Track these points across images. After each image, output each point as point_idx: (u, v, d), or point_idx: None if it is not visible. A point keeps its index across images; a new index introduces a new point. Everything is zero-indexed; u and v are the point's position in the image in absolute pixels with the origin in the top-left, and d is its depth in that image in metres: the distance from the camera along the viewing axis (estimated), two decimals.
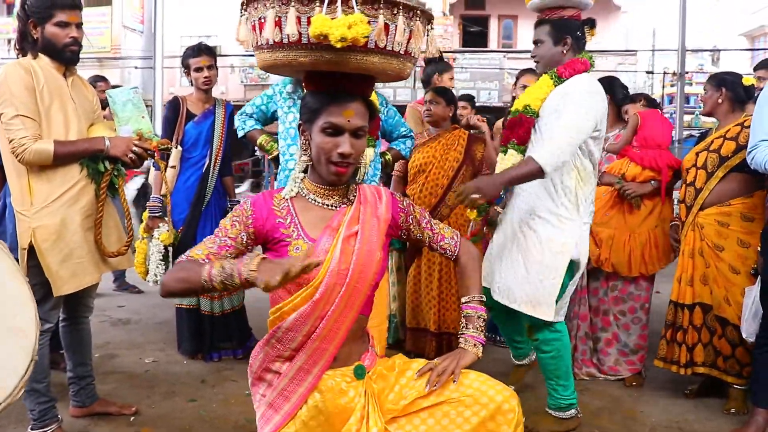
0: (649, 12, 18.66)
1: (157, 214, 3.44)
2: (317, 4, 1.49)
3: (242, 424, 2.82)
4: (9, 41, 15.55)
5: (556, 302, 2.63)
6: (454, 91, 3.95)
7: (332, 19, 1.46)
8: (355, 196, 1.72)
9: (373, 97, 2.00)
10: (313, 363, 1.62)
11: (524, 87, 3.52)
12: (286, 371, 1.63)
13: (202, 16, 16.13)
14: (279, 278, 1.31)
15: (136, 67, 16.25)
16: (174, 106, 3.60)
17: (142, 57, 15.92)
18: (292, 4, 1.51)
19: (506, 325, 3.03)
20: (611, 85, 3.50)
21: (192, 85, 3.64)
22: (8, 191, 2.43)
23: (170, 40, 10.54)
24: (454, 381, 1.65)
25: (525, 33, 18.16)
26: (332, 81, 1.62)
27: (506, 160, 2.70)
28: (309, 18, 1.49)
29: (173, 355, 3.76)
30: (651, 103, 3.78)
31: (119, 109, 2.61)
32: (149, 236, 3.44)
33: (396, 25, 1.56)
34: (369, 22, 1.50)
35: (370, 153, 2.86)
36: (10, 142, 2.32)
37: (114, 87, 3.28)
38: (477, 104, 5.05)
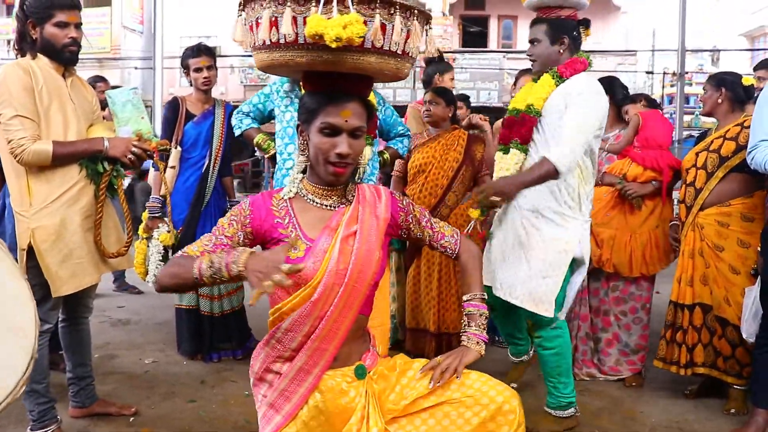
0: (649, 12, 18.68)
1: (156, 215, 3.44)
2: (313, 4, 1.49)
3: (242, 425, 2.82)
4: (8, 42, 15.53)
5: (558, 299, 2.65)
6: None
7: (328, 18, 1.46)
8: (354, 196, 1.72)
9: (371, 95, 1.99)
10: (314, 364, 1.62)
11: None
12: (286, 372, 1.63)
13: (201, 16, 16.12)
14: (268, 285, 1.32)
15: (135, 68, 16.25)
16: (173, 106, 3.60)
17: (141, 57, 15.92)
18: (288, 4, 1.51)
19: (506, 323, 3.05)
20: (611, 85, 3.50)
21: (191, 85, 3.64)
22: (7, 192, 2.43)
23: (170, 41, 10.56)
24: (457, 378, 1.64)
25: (525, 33, 18.07)
26: (330, 81, 1.62)
27: (508, 160, 2.71)
28: (305, 18, 1.49)
29: (173, 356, 3.75)
30: (651, 103, 3.78)
31: (118, 109, 2.61)
32: (149, 237, 3.44)
33: (393, 25, 1.56)
34: (365, 22, 1.50)
35: (367, 152, 2.86)
36: (9, 142, 2.32)
37: (113, 87, 3.27)
38: (477, 105, 5.07)
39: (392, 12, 1.56)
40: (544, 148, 2.62)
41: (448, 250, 1.82)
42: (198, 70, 3.56)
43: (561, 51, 2.67)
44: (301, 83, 1.79)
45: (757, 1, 19.59)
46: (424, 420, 1.65)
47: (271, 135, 3.10)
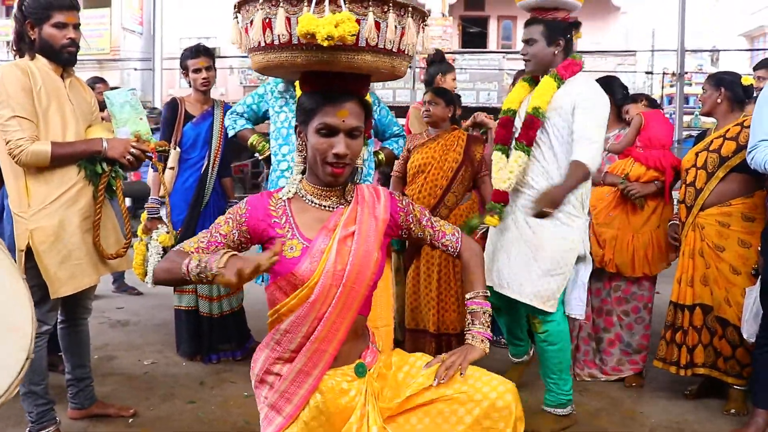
0: (649, 12, 18.65)
1: (155, 216, 3.44)
2: (305, 4, 1.49)
3: (241, 426, 2.81)
4: (8, 43, 15.52)
5: (560, 295, 2.72)
6: None
7: (319, 18, 1.46)
8: (352, 197, 1.71)
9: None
10: (313, 365, 1.61)
11: None
12: (286, 374, 1.63)
13: (201, 17, 16.11)
14: (235, 279, 1.33)
15: (135, 69, 16.23)
16: (172, 107, 3.60)
17: (141, 59, 15.90)
18: (282, 5, 1.51)
19: (508, 322, 3.07)
20: (611, 86, 3.50)
21: (190, 86, 3.64)
22: (6, 193, 2.43)
23: (169, 42, 10.57)
24: (461, 374, 1.63)
25: None
26: (326, 81, 1.62)
27: (511, 162, 2.74)
28: (298, 18, 1.49)
29: (172, 357, 3.75)
30: (652, 103, 3.78)
31: (117, 110, 2.61)
32: (148, 237, 3.43)
33: (387, 23, 1.56)
34: (358, 21, 1.49)
35: (363, 152, 2.86)
36: (7, 143, 2.31)
37: (113, 89, 3.27)
38: (477, 105, 5.06)
39: (386, 10, 1.55)
40: (549, 150, 2.68)
41: (450, 248, 1.82)
42: (197, 70, 3.56)
43: (556, 52, 2.72)
44: (295, 84, 1.78)
45: (756, 2, 19.57)
46: (420, 419, 1.64)
47: (266, 136, 3.09)
